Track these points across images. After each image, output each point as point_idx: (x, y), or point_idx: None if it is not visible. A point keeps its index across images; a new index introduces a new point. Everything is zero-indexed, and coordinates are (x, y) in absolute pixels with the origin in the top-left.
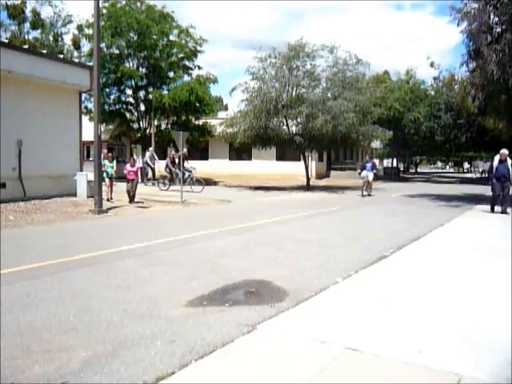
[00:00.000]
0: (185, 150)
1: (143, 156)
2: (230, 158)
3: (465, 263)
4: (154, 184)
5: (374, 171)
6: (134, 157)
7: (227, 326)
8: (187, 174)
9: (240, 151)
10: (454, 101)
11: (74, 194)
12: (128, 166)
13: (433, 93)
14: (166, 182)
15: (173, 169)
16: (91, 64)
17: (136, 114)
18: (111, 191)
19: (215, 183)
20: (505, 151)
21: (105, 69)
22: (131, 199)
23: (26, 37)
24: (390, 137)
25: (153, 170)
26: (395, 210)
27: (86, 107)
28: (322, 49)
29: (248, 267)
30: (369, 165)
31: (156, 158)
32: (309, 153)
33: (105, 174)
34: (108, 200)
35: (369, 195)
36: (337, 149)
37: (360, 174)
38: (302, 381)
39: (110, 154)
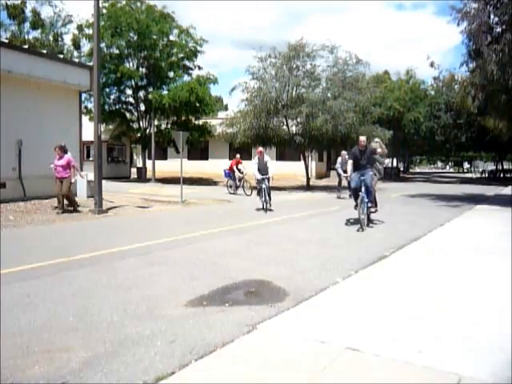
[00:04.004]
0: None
1: (143, 156)
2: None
3: (465, 263)
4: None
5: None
6: (62, 144)
7: (227, 326)
8: None
9: (240, 151)
10: (454, 101)
11: (74, 194)
12: (55, 160)
13: (433, 93)
14: None
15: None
16: (91, 64)
17: (136, 113)
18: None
19: (215, 183)
20: None
21: (105, 69)
22: (62, 205)
23: (26, 37)
24: (390, 137)
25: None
26: (395, 210)
27: (85, 107)
28: (322, 49)
29: (248, 267)
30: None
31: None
32: (309, 153)
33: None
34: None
35: None
36: (337, 149)
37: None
38: (302, 381)
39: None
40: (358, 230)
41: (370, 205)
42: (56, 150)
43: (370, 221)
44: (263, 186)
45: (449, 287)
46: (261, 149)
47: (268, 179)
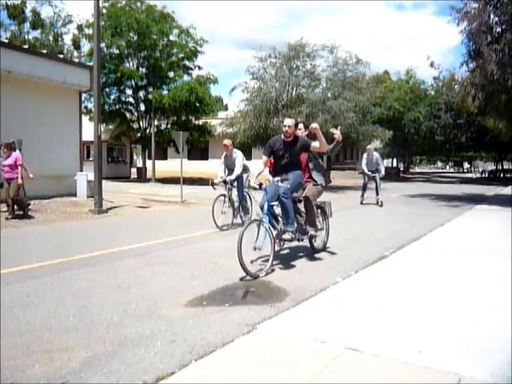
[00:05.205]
0: None
1: (143, 156)
2: None
3: (465, 263)
4: None
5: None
6: (10, 140)
7: (227, 326)
8: None
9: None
10: (454, 101)
11: (74, 194)
12: (2, 160)
13: (433, 93)
14: None
15: None
16: (91, 64)
17: (136, 113)
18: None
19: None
20: None
21: (105, 69)
22: (12, 209)
23: (26, 37)
24: (390, 136)
25: None
26: (395, 209)
27: (85, 107)
28: (322, 49)
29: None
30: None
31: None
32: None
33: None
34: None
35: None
36: None
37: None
38: (302, 381)
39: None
40: (241, 279)
41: (290, 229)
42: (2, 149)
43: (315, 251)
44: (229, 192)
45: (449, 287)
46: (226, 141)
47: (237, 181)
